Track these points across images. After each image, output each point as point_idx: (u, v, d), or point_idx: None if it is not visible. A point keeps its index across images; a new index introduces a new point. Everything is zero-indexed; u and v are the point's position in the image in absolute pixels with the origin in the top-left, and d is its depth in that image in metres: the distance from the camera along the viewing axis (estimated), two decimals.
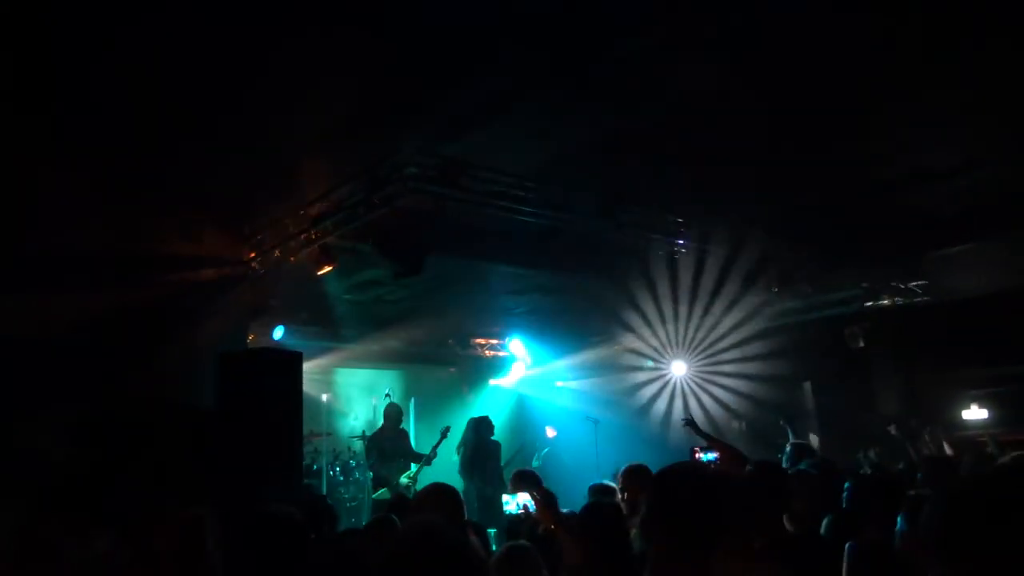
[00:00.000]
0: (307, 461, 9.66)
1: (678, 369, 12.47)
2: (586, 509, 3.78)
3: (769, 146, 6.73)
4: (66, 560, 2.99)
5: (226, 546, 3.26)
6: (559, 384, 13.87)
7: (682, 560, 2.17)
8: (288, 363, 7.07)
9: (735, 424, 11.44)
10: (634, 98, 5.82)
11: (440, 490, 3.34)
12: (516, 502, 4.14)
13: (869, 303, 10.19)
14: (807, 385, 11.29)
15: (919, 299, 9.92)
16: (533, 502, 4.12)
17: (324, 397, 11.31)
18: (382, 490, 9.20)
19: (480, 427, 10.09)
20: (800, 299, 10.37)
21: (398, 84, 5.52)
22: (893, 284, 9.93)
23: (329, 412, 11.07)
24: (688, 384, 12.31)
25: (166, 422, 6.09)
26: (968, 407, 10.07)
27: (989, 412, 9.91)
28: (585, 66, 5.34)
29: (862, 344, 10.34)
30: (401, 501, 5.57)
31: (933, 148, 6.98)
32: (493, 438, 10.18)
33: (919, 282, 9.82)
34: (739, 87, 5.75)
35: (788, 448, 5.70)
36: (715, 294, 9.99)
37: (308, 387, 8.02)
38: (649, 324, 11.65)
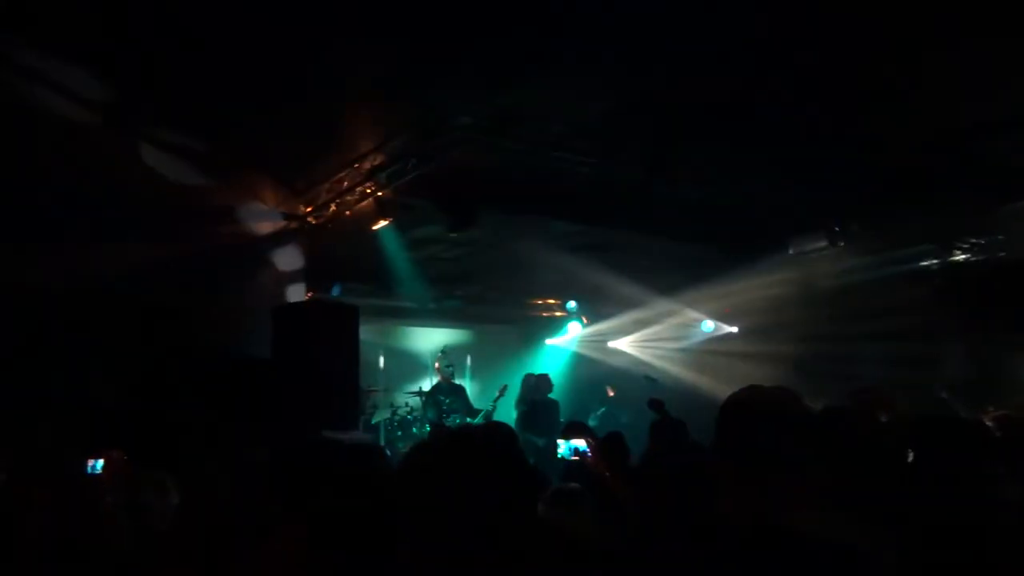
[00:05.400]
0: (365, 416, 9.78)
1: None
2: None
3: (831, 93, 6.45)
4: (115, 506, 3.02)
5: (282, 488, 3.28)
6: (611, 344, 13.77)
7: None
8: (344, 316, 7.14)
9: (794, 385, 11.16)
10: (690, 41, 5.62)
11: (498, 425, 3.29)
12: (567, 445, 4.07)
13: (939, 259, 9.82)
14: (870, 347, 10.97)
15: (994, 255, 9.51)
16: (588, 447, 4.05)
17: (381, 354, 11.42)
18: None
19: (539, 384, 10.12)
20: (866, 255, 10.03)
21: (449, 31, 5.42)
22: (966, 239, 9.53)
23: (386, 368, 11.16)
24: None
25: (222, 372, 6.20)
26: None
27: None
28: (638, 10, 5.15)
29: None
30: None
31: (1010, 95, 6.61)
32: (551, 396, 10.21)
33: (994, 237, 9.40)
34: (798, 27, 5.50)
35: None
36: (775, 250, 9.73)
37: (365, 344, 8.10)
38: (707, 283, 11.46)
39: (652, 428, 5.31)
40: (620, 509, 3.73)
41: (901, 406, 5.35)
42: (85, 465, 3.25)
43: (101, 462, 3.02)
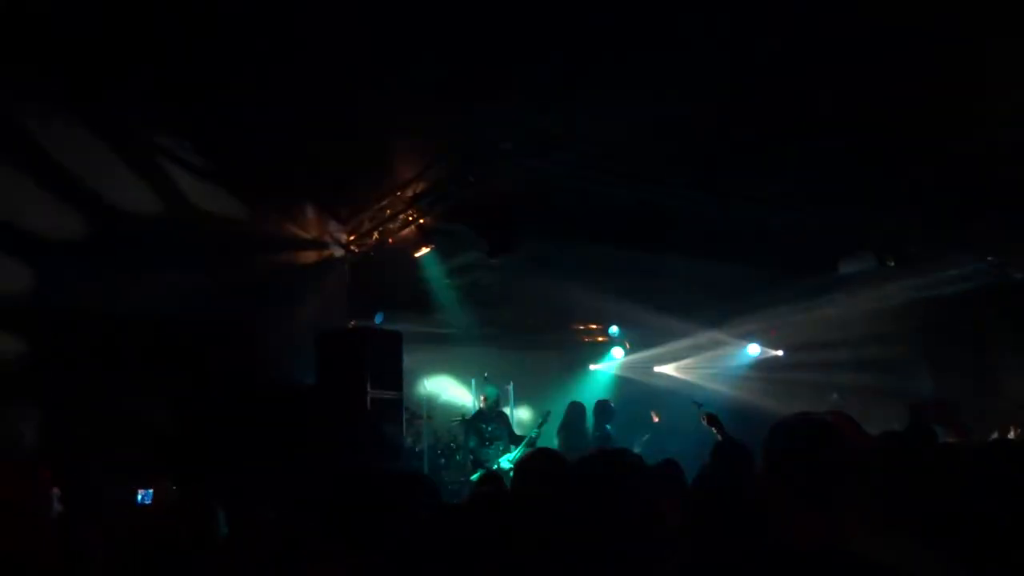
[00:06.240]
0: (408, 444, 9.74)
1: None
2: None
3: (880, 107, 6.32)
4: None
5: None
6: (656, 369, 13.57)
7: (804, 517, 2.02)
8: (388, 343, 7.15)
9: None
10: (735, 61, 5.55)
11: (549, 452, 3.25)
12: None
13: (995, 278, 9.53)
14: (925, 369, 10.67)
15: None
16: None
17: (424, 381, 11.40)
18: (480, 471, 9.18)
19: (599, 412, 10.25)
20: (919, 275, 9.77)
21: (490, 55, 5.43)
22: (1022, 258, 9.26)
23: (429, 396, 11.13)
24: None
25: (268, 399, 6.22)
26: None
27: None
28: (681, 24, 5.11)
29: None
30: (492, 476, 5.45)
31: None
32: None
33: None
34: (844, 42, 5.41)
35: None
36: (824, 271, 9.55)
37: (408, 371, 8.09)
38: (753, 306, 11.27)
39: (715, 448, 5.25)
40: (673, 535, 3.63)
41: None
42: (135, 495, 3.24)
43: (151, 492, 3.01)
